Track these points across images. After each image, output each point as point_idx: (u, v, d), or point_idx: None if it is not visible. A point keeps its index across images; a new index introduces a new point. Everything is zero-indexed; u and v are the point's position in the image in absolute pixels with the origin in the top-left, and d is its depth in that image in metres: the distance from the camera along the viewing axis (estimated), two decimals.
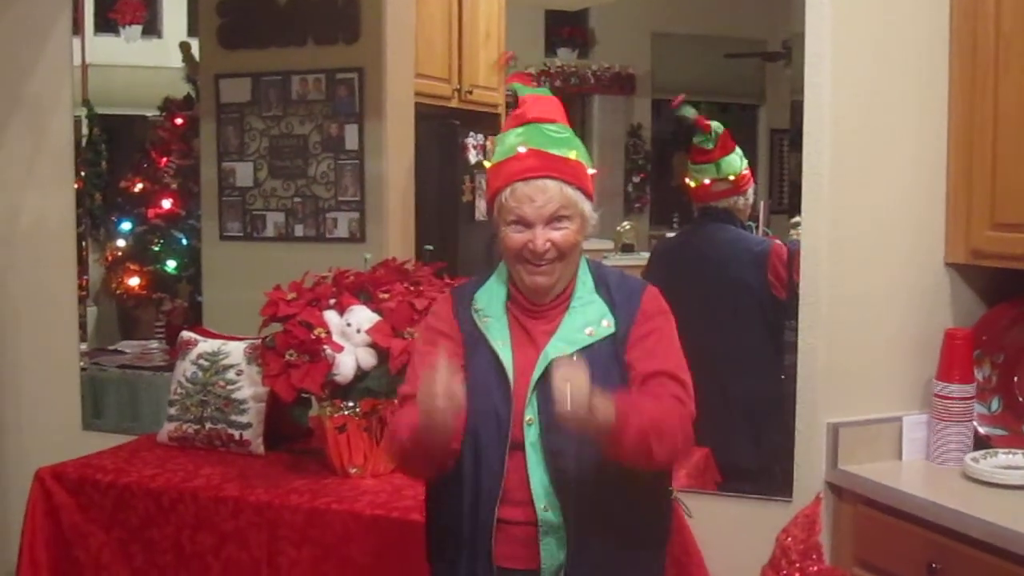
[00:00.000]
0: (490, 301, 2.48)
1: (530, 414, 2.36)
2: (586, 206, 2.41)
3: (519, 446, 2.36)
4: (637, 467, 2.28)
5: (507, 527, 2.38)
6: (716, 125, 3.92)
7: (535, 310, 2.45)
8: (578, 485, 2.34)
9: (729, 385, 3.70)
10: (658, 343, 2.41)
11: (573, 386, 2.12)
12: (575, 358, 2.33)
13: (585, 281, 2.46)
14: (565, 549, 2.35)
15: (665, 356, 2.40)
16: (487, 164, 2.50)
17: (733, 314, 3.78)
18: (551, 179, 2.36)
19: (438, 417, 2.19)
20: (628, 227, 6.00)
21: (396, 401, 2.69)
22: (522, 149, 2.39)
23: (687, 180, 4.02)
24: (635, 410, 2.23)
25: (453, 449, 2.36)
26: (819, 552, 1.43)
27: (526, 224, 2.36)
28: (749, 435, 3.66)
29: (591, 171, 2.46)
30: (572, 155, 2.41)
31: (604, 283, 2.47)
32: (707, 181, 3.91)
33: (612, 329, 2.40)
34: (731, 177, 3.88)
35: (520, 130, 2.43)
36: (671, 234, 4.42)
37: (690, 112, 4.01)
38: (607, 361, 2.38)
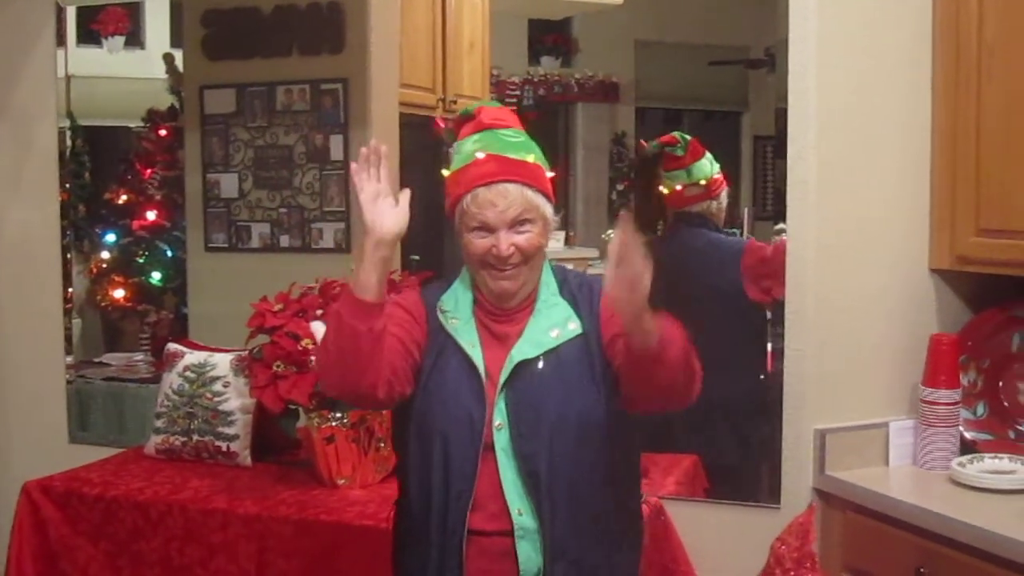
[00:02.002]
0: (457, 305, 2.47)
1: (499, 418, 2.35)
2: (547, 209, 2.42)
3: (490, 448, 2.35)
4: (671, 394, 2.27)
5: (480, 539, 2.36)
6: (680, 135, 3.96)
7: (501, 314, 2.45)
8: (551, 487, 2.33)
9: (712, 391, 3.70)
10: None
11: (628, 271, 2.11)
12: (541, 364, 2.35)
13: (549, 284, 2.47)
14: (542, 554, 2.34)
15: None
16: (445, 173, 2.50)
17: (711, 317, 3.78)
18: (512, 183, 2.36)
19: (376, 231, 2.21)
20: (612, 234, 6.01)
21: None
22: (480, 155, 2.39)
23: (661, 187, 4.04)
24: (674, 326, 2.23)
25: (375, 343, 2.25)
26: (813, 560, 1.44)
27: (489, 229, 2.36)
28: (735, 441, 3.67)
29: (549, 174, 2.47)
30: (530, 158, 2.41)
31: (567, 285, 2.48)
32: (679, 187, 3.93)
33: (579, 330, 2.40)
34: (702, 182, 3.91)
35: (477, 136, 2.44)
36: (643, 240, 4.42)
37: (654, 146, 4.05)
38: (577, 362, 2.38)
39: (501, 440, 2.35)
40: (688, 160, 3.92)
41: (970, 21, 3.03)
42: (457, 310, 2.47)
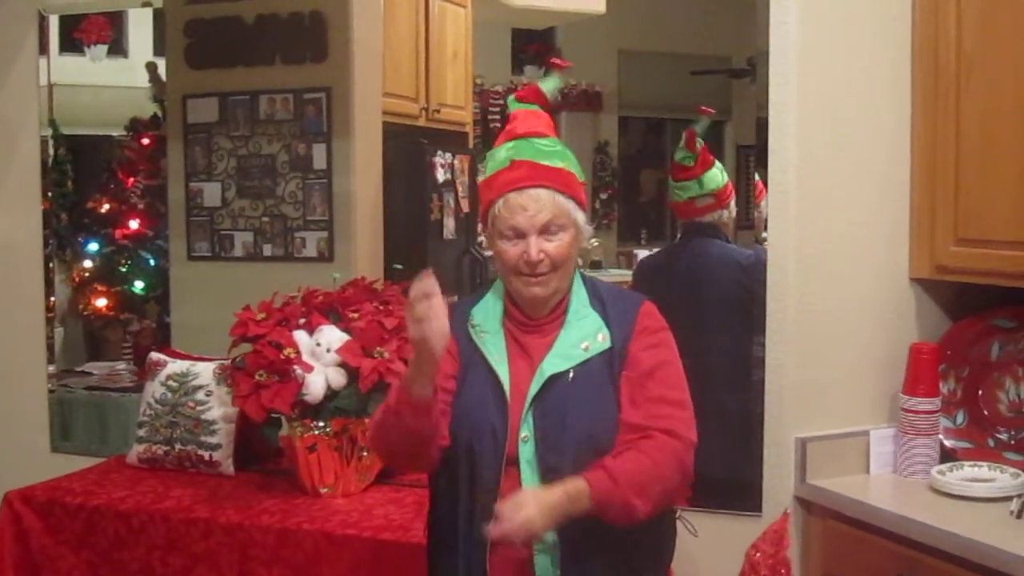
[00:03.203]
0: (486, 317, 2.48)
1: (526, 431, 2.35)
2: (579, 216, 2.42)
3: (514, 462, 2.35)
4: (632, 519, 2.29)
5: (502, 548, 2.35)
6: (700, 125, 3.93)
7: (531, 324, 2.45)
8: None
9: (724, 399, 3.70)
10: (657, 364, 2.39)
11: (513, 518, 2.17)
12: (571, 376, 2.36)
13: (579, 295, 2.46)
14: (559, 568, 2.34)
15: (662, 379, 2.38)
16: (479, 179, 2.52)
17: (724, 328, 3.78)
18: (543, 188, 2.37)
19: (426, 347, 2.16)
20: (596, 244, 6.02)
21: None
22: (513, 160, 2.40)
23: (671, 198, 4.03)
24: (616, 486, 2.24)
25: (432, 428, 2.31)
26: (787, 567, 1.45)
27: (519, 235, 2.36)
28: (718, 449, 3.67)
29: (582, 181, 2.47)
30: (563, 165, 2.42)
31: (598, 297, 2.46)
32: (690, 197, 3.92)
33: (608, 344, 2.40)
34: (714, 192, 3.90)
35: (511, 144, 2.44)
36: (641, 250, 4.43)
37: (704, 122, 3.98)
38: (601, 376, 2.38)
39: (526, 452, 2.35)
40: (699, 170, 3.90)
41: (949, 32, 3.05)
42: (487, 323, 2.47)
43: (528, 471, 2.34)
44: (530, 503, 2.19)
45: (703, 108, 3.98)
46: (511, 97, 2.58)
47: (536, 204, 2.36)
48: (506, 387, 2.38)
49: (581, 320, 2.43)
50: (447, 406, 2.41)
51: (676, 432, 2.33)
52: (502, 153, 2.44)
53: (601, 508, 2.24)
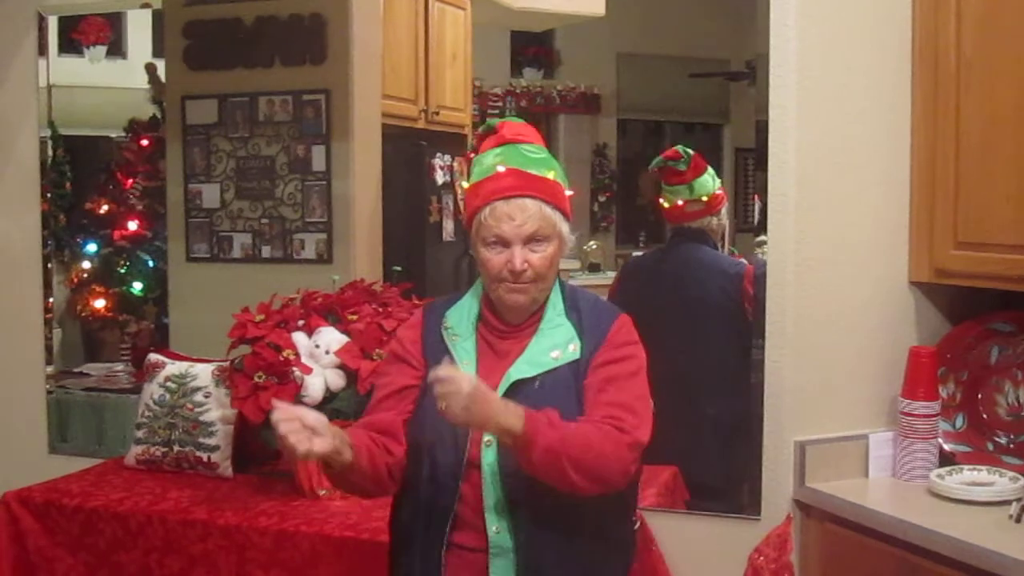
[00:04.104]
0: (460, 319, 2.49)
1: (488, 435, 2.35)
2: (564, 227, 2.42)
3: (476, 466, 2.36)
4: (559, 488, 2.26)
5: (461, 552, 2.38)
6: (682, 148, 3.94)
7: (505, 330, 2.46)
8: (531, 508, 2.33)
9: (701, 404, 3.71)
10: (619, 374, 2.39)
11: (448, 388, 2.16)
12: (537, 384, 2.36)
13: (556, 304, 2.46)
14: (516, 574, 2.35)
15: (621, 387, 2.38)
16: (465, 184, 2.50)
17: (705, 334, 3.80)
18: (530, 198, 2.37)
19: (306, 454, 2.20)
20: (594, 246, 6.02)
21: None
22: (501, 168, 2.39)
23: (661, 201, 4.03)
24: (552, 429, 2.22)
25: (375, 473, 2.38)
26: (791, 571, 1.44)
27: (504, 243, 2.36)
28: (717, 454, 3.67)
29: (568, 192, 2.47)
30: (551, 175, 2.42)
31: (575, 307, 2.46)
32: (680, 202, 3.92)
33: (577, 355, 2.40)
34: (704, 198, 3.90)
35: (498, 150, 2.44)
36: (640, 252, 4.44)
37: (658, 161, 4.02)
38: (568, 386, 2.38)
39: (488, 457, 2.36)
40: (690, 175, 3.91)
41: (949, 36, 3.05)
42: (459, 326, 2.48)
43: (489, 475, 2.35)
44: (467, 382, 2.18)
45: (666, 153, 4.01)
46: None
47: (523, 214, 2.36)
48: None
49: (554, 329, 2.44)
50: (409, 414, 2.44)
51: (623, 428, 2.31)
52: (488, 159, 2.44)
53: (528, 440, 2.20)
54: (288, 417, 2.17)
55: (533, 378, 2.38)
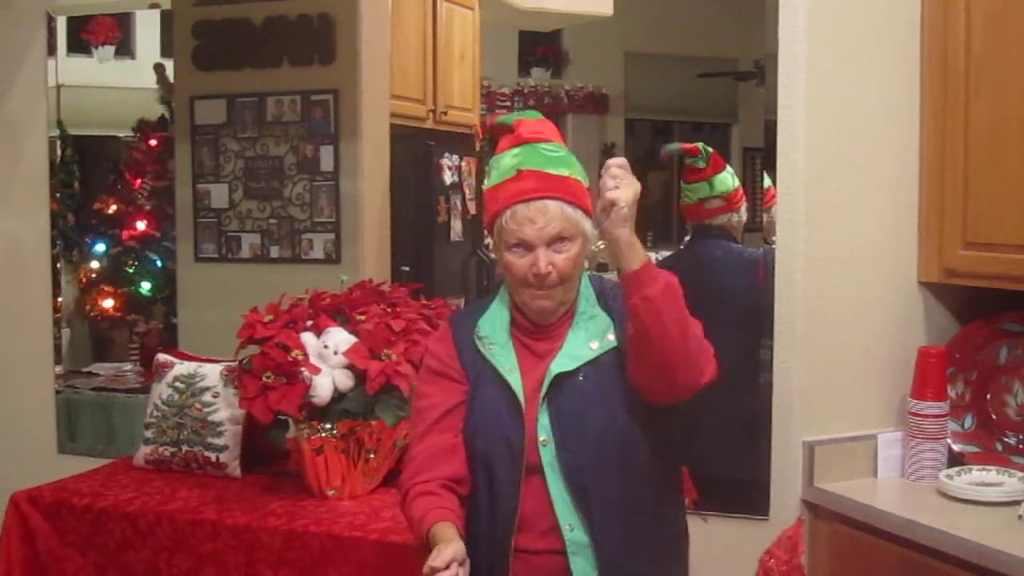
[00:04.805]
0: (493, 327, 2.46)
1: (543, 434, 2.34)
2: (587, 224, 2.38)
3: (536, 469, 2.34)
4: (663, 340, 2.21)
5: (529, 557, 2.36)
6: (702, 146, 3.93)
7: (540, 332, 2.43)
8: (602, 500, 2.32)
9: (729, 402, 3.69)
10: None
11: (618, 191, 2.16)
12: (581, 377, 2.35)
13: (588, 296, 2.44)
14: (596, 569, 2.33)
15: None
16: (484, 187, 2.46)
17: (733, 329, 3.77)
18: (551, 200, 2.33)
19: None
20: (603, 246, 6.01)
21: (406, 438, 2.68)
22: (520, 170, 2.36)
23: (681, 200, 4.02)
24: (666, 283, 2.21)
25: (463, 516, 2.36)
26: (802, 573, 1.44)
27: (527, 247, 2.33)
28: (727, 452, 3.66)
29: (588, 187, 2.44)
30: (571, 174, 2.38)
31: (604, 296, 2.45)
32: (700, 199, 3.92)
33: (615, 343, 2.38)
34: (724, 194, 3.89)
35: (516, 151, 2.40)
36: (663, 255, 4.43)
37: (673, 147, 4.01)
38: (614, 374, 2.36)
39: (547, 456, 2.34)
40: (710, 172, 3.90)
41: (958, 36, 3.05)
42: (494, 334, 2.45)
43: (551, 474, 2.33)
44: (627, 181, 2.19)
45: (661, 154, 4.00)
46: (500, 118, 2.54)
47: (544, 217, 2.32)
48: (520, 395, 2.36)
49: (589, 320, 2.42)
50: (462, 430, 2.42)
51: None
52: (507, 160, 2.40)
53: (647, 275, 2.19)
54: (452, 574, 2.13)
55: (575, 371, 2.36)
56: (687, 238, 4.16)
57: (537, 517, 2.34)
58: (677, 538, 2.52)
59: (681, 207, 4.07)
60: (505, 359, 2.42)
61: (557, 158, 2.40)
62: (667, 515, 2.46)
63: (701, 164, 3.89)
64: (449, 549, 2.15)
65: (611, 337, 2.39)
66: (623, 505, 2.33)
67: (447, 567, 2.10)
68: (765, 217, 3.84)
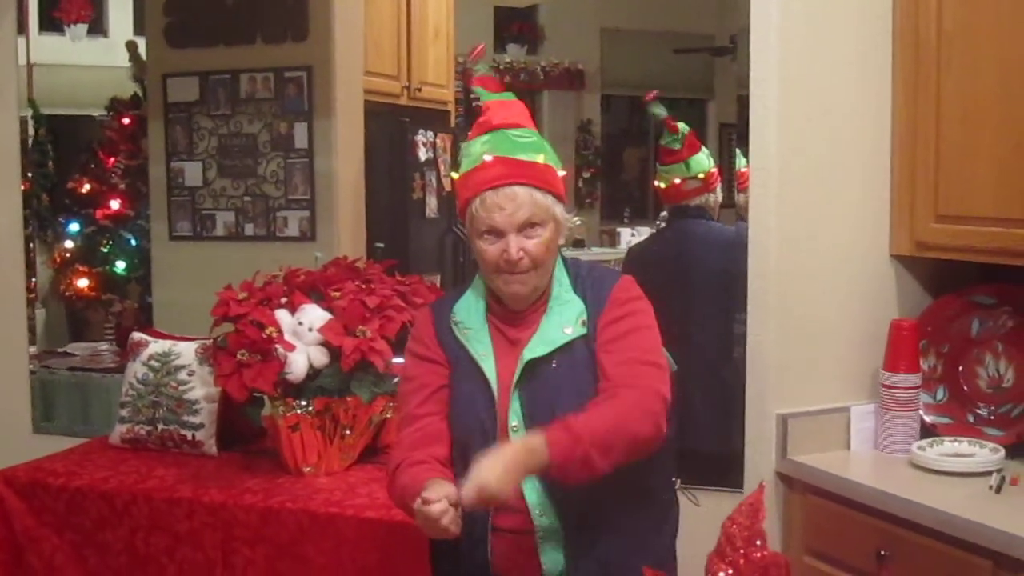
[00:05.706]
0: (469, 313, 2.47)
1: (515, 420, 2.36)
2: (558, 209, 2.39)
3: None
4: (605, 474, 2.24)
5: (505, 535, 2.38)
6: (683, 126, 3.94)
7: (514, 318, 2.44)
8: (569, 487, 2.30)
9: (713, 376, 3.70)
10: (627, 330, 2.37)
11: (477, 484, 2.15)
12: (554, 364, 2.36)
13: (562, 280, 2.45)
14: (564, 554, 2.35)
15: (631, 343, 2.36)
16: (454, 175, 2.47)
17: (717, 309, 3.79)
18: (520, 186, 2.33)
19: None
20: (579, 222, 6.03)
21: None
22: (488, 157, 2.36)
23: (657, 182, 4.03)
24: (573, 439, 2.19)
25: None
26: (763, 538, 1.46)
27: (498, 234, 2.34)
28: (705, 426, 3.68)
29: (561, 173, 2.44)
30: (540, 159, 2.38)
31: (579, 279, 2.45)
32: (677, 181, 3.92)
33: (586, 329, 2.39)
34: (701, 175, 3.91)
35: (486, 138, 2.40)
36: (640, 234, 4.45)
37: (660, 110, 4.01)
38: (585, 361, 2.37)
39: None
40: (686, 153, 3.91)
41: (929, 11, 3.05)
42: (470, 319, 2.46)
43: None
44: (483, 469, 2.16)
45: (650, 95, 3.99)
46: (478, 88, 2.54)
47: (513, 203, 2.33)
48: (492, 381, 2.38)
49: (563, 305, 2.42)
50: (446, 413, 2.44)
51: (644, 386, 2.30)
52: (476, 148, 2.41)
53: (560, 465, 2.19)
54: (444, 508, 2.14)
55: (548, 357, 2.37)
56: (663, 213, 4.18)
57: (512, 500, 2.33)
58: (663, 518, 2.52)
59: (658, 189, 4.07)
60: (480, 344, 2.43)
61: (527, 144, 2.40)
62: (651, 495, 2.46)
63: (676, 145, 3.91)
64: (443, 487, 2.18)
65: (582, 323, 2.39)
66: (593, 491, 2.31)
67: (439, 500, 2.13)
68: (741, 198, 3.86)
